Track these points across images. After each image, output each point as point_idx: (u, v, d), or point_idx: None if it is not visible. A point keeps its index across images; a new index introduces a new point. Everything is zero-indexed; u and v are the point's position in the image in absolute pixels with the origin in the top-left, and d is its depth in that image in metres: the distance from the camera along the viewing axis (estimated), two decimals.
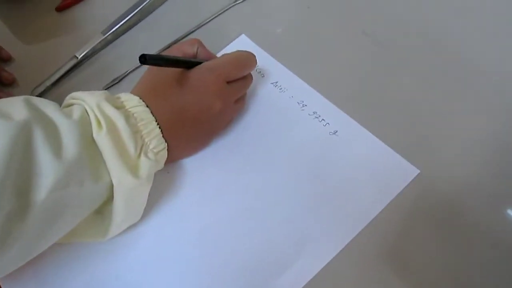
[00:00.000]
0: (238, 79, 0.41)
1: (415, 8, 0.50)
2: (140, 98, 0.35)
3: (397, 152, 0.40)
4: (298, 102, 0.44)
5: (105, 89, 0.49)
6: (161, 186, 0.40)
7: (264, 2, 0.54)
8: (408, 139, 0.41)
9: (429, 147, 0.40)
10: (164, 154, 0.36)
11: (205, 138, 0.42)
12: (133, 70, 0.50)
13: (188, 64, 0.39)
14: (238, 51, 0.43)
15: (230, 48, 0.50)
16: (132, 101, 0.35)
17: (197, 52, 0.42)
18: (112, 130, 0.32)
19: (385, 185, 0.39)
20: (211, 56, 0.42)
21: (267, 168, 0.41)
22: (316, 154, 0.41)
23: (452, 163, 0.39)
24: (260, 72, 0.47)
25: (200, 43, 0.42)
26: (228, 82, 0.39)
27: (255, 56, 0.43)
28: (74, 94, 0.35)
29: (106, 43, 0.53)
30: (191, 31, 0.52)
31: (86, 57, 0.52)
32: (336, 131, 0.42)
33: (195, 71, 0.38)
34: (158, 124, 0.35)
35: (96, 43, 0.51)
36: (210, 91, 0.38)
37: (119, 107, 0.34)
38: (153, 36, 0.53)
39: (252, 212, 0.39)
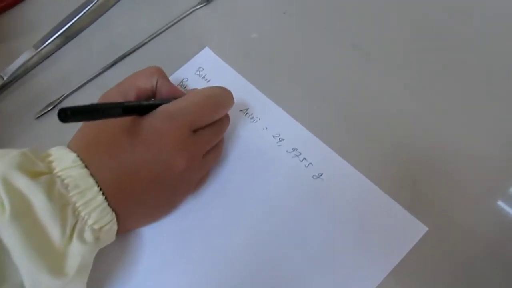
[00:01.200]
0: (210, 125, 0.32)
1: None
2: (78, 156, 0.27)
3: (399, 203, 0.32)
4: (273, 136, 0.35)
5: (38, 117, 0.40)
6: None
7: (230, 6, 0.44)
8: (411, 187, 0.33)
9: (437, 198, 0.32)
10: (111, 228, 0.28)
11: (169, 203, 0.33)
12: (72, 92, 0.41)
13: (137, 109, 0.30)
14: (210, 87, 0.33)
15: (191, 65, 0.41)
16: (64, 161, 0.27)
17: (156, 86, 0.33)
18: (22, 212, 0.24)
19: (386, 246, 0.31)
20: (174, 92, 0.33)
21: (238, 231, 0.32)
22: (298, 206, 0.32)
23: (464, 218, 0.31)
24: None
25: (160, 74, 0.33)
26: (195, 131, 0.31)
27: (231, 94, 0.33)
28: None
29: (39, 59, 0.43)
30: (143, 42, 0.43)
31: (15, 77, 0.42)
32: (321, 174, 0.33)
33: (151, 118, 0.30)
34: (101, 189, 0.27)
35: (26, 59, 0.42)
36: (170, 144, 0.29)
37: (41, 173, 0.26)
38: (96, 51, 0.43)
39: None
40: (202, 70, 0.40)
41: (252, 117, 0.37)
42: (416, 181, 0.33)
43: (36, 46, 0.42)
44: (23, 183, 0.24)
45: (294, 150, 0.34)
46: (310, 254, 0.31)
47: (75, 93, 0.41)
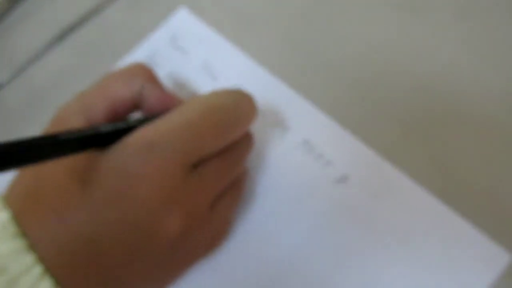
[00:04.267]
0: (219, 154, 0.20)
1: None
2: (12, 218, 0.17)
3: (477, 227, 0.20)
4: (316, 157, 0.23)
5: None
6: None
7: None
8: (491, 206, 0.21)
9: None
10: None
11: (160, 281, 0.20)
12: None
13: (95, 140, 0.18)
14: (216, 93, 0.20)
15: (162, 33, 0.29)
16: None
17: (141, 95, 0.21)
18: None
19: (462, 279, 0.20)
20: (168, 103, 0.21)
21: None
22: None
23: None
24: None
25: (146, 75, 0.21)
26: (194, 166, 0.19)
27: (251, 100, 0.21)
28: None
29: None
30: (93, 10, 0.31)
31: None
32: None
33: (118, 153, 0.18)
34: (45, 269, 0.16)
35: None
36: (152, 196, 0.18)
37: None
38: (34, 24, 0.32)
39: None
40: (178, 40, 0.29)
41: (281, 125, 0.24)
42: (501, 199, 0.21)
43: None
44: None
45: (343, 179, 0.23)
46: None
47: (25, 73, 0.29)
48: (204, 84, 0.27)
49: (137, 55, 0.29)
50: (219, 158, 0.20)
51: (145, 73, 0.21)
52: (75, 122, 0.19)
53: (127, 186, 0.17)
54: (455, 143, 0.22)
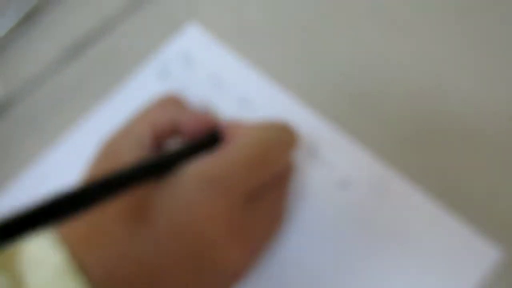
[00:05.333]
0: (268, 186, 0.22)
1: None
2: (66, 258, 0.17)
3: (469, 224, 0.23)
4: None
5: None
6: None
7: None
8: (480, 201, 0.24)
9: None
10: None
11: None
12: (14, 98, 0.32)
13: (150, 172, 0.19)
14: (258, 127, 0.22)
15: (171, 50, 0.31)
16: (45, 266, 0.17)
17: (178, 120, 0.22)
18: None
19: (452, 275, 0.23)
20: (202, 124, 0.22)
21: None
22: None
23: None
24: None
25: (176, 103, 0.23)
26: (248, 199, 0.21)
27: (291, 131, 0.23)
28: None
29: None
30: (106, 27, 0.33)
31: None
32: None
33: (182, 186, 0.19)
34: None
35: None
36: (217, 227, 0.19)
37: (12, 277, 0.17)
38: (48, 37, 0.34)
39: None
40: (189, 55, 0.31)
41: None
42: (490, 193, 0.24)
43: None
44: None
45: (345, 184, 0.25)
46: None
47: (38, 90, 0.32)
48: (216, 100, 0.29)
49: (148, 71, 0.30)
50: (269, 193, 0.22)
51: (175, 101, 0.23)
52: (128, 154, 0.21)
53: (193, 218, 0.19)
54: (454, 152, 0.25)
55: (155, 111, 0.23)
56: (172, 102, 0.23)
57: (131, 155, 0.20)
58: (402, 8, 0.29)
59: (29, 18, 0.34)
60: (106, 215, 0.19)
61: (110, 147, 0.22)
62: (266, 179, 0.21)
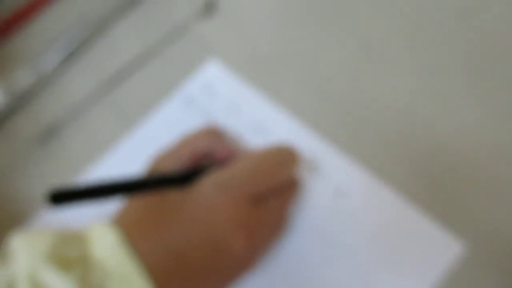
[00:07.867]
0: (274, 192, 0.28)
1: None
2: (120, 237, 0.24)
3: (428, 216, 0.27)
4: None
5: (41, 143, 0.37)
6: None
7: (234, 15, 0.39)
8: (444, 196, 0.28)
9: (476, 208, 0.28)
10: None
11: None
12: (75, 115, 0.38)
13: (178, 180, 0.27)
14: (265, 150, 0.29)
15: (194, 85, 0.37)
16: (104, 243, 0.23)
17: (213, 148, 0.30)
18: None
19: (416, 268, 0.27)
20: (231, 153, 0.30)
21: None
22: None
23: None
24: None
25: (216, 134, 0.30)
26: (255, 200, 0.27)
27: (293, 151, 0.29)
28: (14, 242, 0.24)
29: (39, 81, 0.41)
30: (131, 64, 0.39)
31: (18, 101, 0.40)
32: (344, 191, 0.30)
33: (201, 189, 0.26)
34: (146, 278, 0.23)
35: (28, 81, 0.40)
36: (228, 220, 0.26)
37: (75, 261, 0.23)
38: (84, 77, 0.40)
39: None
40: (211, 88, 0.36)
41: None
42: (448, 186, 0.29)
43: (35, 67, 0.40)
44: (53, 278, 0.22)
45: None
46: None
47: (83, 115, 0.39)
48: (235, 124, 0.34)
49: (176, 101, 0.36)
50: (274, 197, 0.28)
51: (215, 133, 0.30)
52: (167, 167, 0.28)
53: (209, 213, 0.26)
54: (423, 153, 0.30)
55: (197, 137, 0.29)
56: (212, 132, 0.30)
57: (171, 168, 0.28)
58: (409, 46, 0.34)
59: (72, 56, 0.41)
60: (152, 203, 0.26)
61: (159, 161, 0.29)
62: (269, 186, 0.28)
